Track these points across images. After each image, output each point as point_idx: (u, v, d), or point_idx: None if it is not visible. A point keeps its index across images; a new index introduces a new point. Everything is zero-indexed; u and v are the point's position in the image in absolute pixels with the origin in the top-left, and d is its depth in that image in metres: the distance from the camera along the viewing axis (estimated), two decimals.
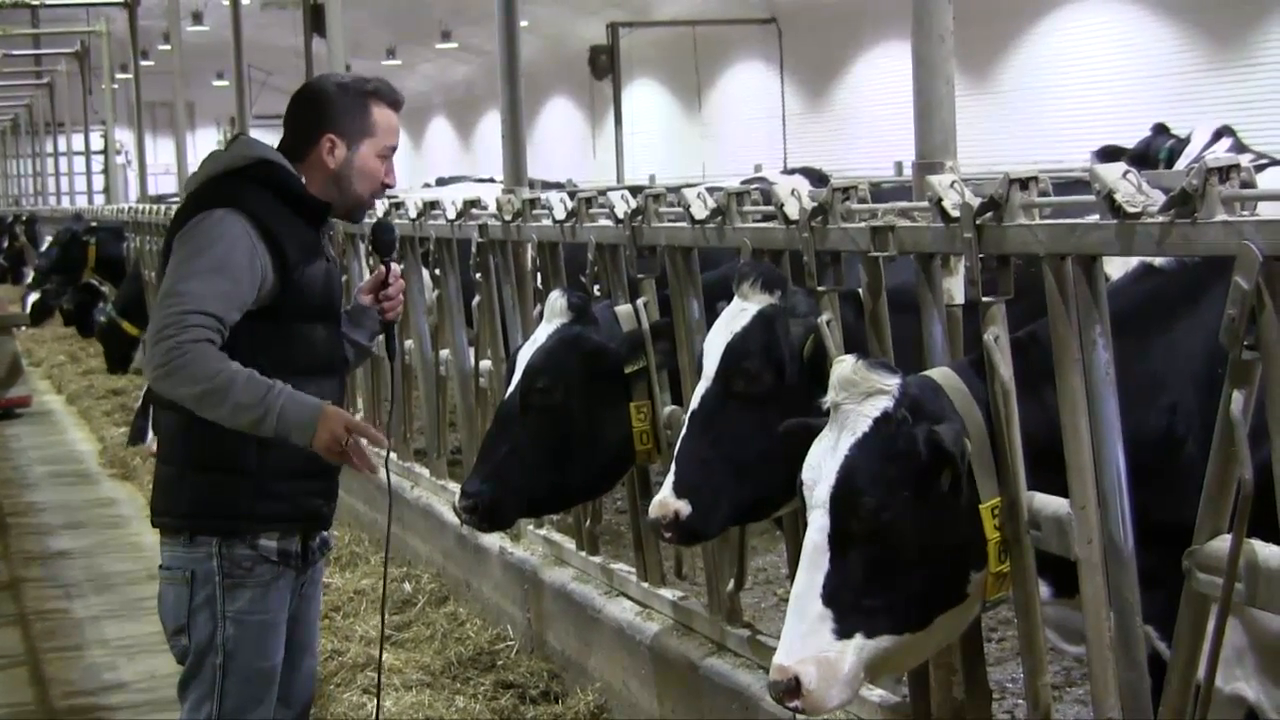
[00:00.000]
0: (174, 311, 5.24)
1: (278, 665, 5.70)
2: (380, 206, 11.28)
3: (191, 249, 5.38)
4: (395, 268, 6.05)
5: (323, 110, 5.71)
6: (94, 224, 25.96)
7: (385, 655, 8.92)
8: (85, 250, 24.67)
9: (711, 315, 6.21)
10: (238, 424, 5.28)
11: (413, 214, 10.76)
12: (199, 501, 5.58)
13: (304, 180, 5.65)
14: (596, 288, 7.94)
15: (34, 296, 27.79)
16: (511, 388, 7.18)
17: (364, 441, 5.41)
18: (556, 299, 7.20)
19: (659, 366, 7.18)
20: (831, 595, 4.51)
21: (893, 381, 4.64)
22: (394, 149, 5.79)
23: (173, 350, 5.20)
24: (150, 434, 15.94)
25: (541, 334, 7.19)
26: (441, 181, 24.37)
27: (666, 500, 5.80)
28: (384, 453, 5.95)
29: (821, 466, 4.62)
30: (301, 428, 5.31)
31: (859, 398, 4.62)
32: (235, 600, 5.55)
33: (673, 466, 5.88)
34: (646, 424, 7.18)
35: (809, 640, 4.49)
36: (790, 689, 4.46)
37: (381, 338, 6.11)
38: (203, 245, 5.36)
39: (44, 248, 28.02)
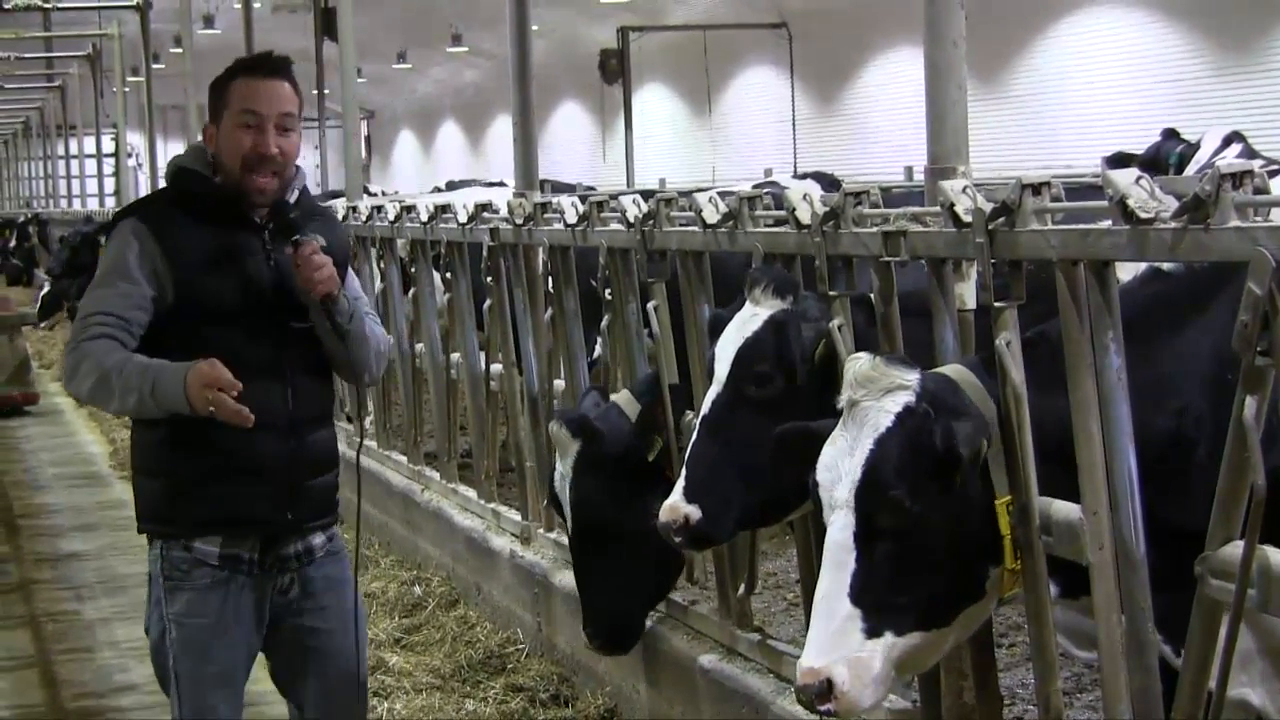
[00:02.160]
0: (78, 321, 5.46)
1: (231, 670, 5.67)
2: (391, 208, 11.30)
3: (101, 267, 5.56)
4: (304, 247, 5.50)
5: (208, 107, 5.73)
6: (103, 225, 26.02)
7: (396, 658, 8.98)
8: (96, 251, 24.66)
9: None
10: (132, 411, 5.43)
11: (424, 217, 10.77)
12: (141, 505, 5.74)
13: (219, 178, 5.62)
14: (607, 292, 7.95)
15: (45, 290, 27.91)
16: (570, 526, 7.33)
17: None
18: (558, 432, 7.25)
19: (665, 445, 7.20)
20: (859, 594, 4.49)
21: (912, 376, 4.63)
22: (258, 114, 5.49)
23: (72, 353, 5.40)
24: None
25: (567, 467, 7.23)
26: (451, 185, 24.38)
27: (677, 505, 5.79)
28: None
29: (839, 466, 4.60)
30: (177, 400, 5.28)
31: (878, 393, 4.61)
32: (174, 603, 5.59)
33: (683, 471, 5.88)
34: None
35: (839, 640, 4.46)
36: (822, 691, 4.42)
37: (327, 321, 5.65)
38: (103, 258, 5.57)
39: (56, 249, 28.00)
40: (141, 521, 5.74)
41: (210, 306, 5.47)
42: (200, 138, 5.76)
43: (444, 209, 10.63)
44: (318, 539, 5.81)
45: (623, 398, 7.44)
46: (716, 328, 6.22)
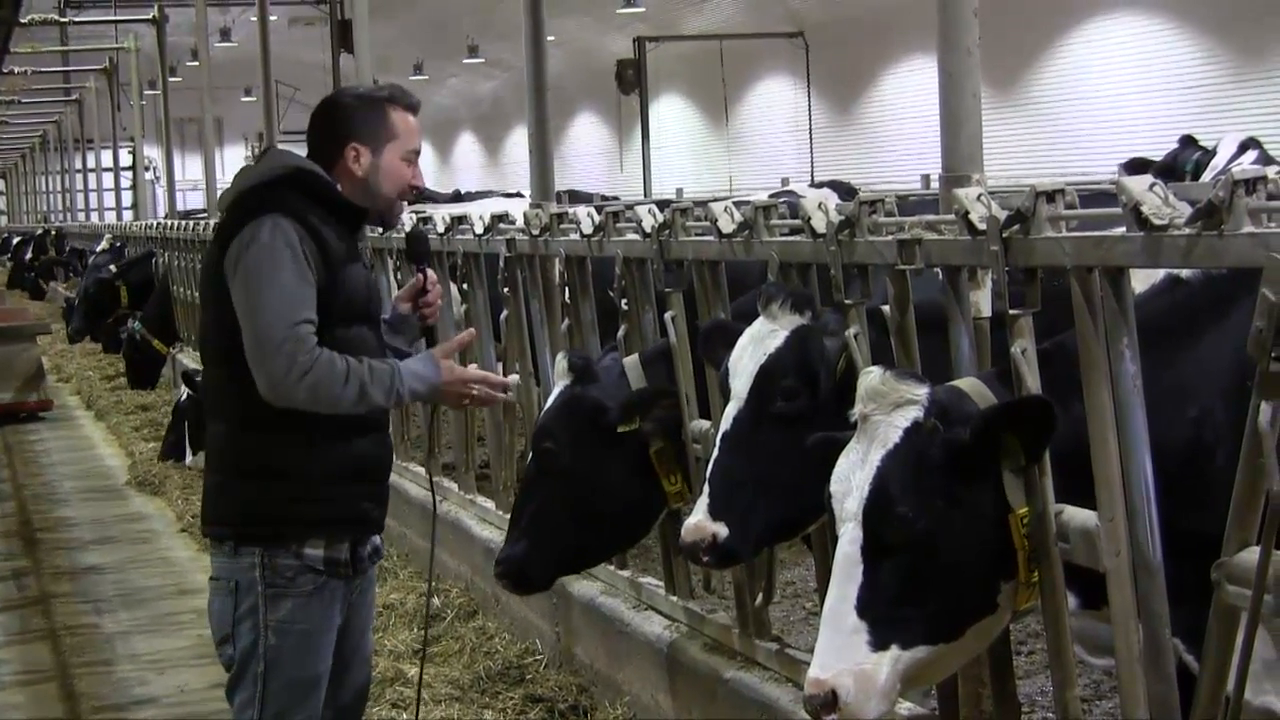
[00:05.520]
0: (282, 324, 5.37)
1: (322, 674, 5.72)
2: (408, 219, 11.32)
3: (259, 262, 5.45)
4: (431, 274, 6.11)
5: (344, 121, 5.78)
6: (114, 267, 25.30)
7: (414, 669, 8.98)
8: (117, 294, 24.39)
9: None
10: (360, 408, 5.52)
11: (441, 229, 10.79)
12: (243, 510, 5.65)
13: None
14: (624, 301, 7.95)
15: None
16: (531, 454, 7.28)
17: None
18: (559, 360, 7.27)
19: (652, 433, 7.16)
20: (866, 607, 4.49)
21: (921, 391, 4.63)
22: (417, 152, 5.85)
23: (297, 365, 5.37)
24: (189, 452, 16.00)
25: (550, 398, 7.26)
26: (458, 196, 24.39)
27: (703, 524, 5.72)
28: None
29: (851, 479, 4.62)
30: (428, 398, 5.84)
31: (888, 408, 4.62)
32: (277, 610, 5.59)
33: (705, 489, 5.81)
34: (673, 463, 7.18)
35: (844, 653, 4.47)
36: (827, 702, 4.42)
37: (422, 341, 6.14)
38: (268, 255, 5.44)
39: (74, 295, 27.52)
40: (239, 526, 5.66)
41: (349, 306, 5.60)
42: (331, 153, 5.77)
43: (460, 220, 10.65)
44: (379, 539, 5.99)
45: (630, 362, 7.43)
46: (714, 336, 6.23)
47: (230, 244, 5.52)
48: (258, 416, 5.53)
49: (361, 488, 5.73)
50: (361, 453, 5.70)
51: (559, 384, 7.23)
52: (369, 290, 5.76)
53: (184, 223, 22.57)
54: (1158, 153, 16.58)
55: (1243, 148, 14.47)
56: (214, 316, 5.66)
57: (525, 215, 9.32)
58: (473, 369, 5.90)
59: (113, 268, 24.22)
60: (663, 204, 8.22)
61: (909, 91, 33.26)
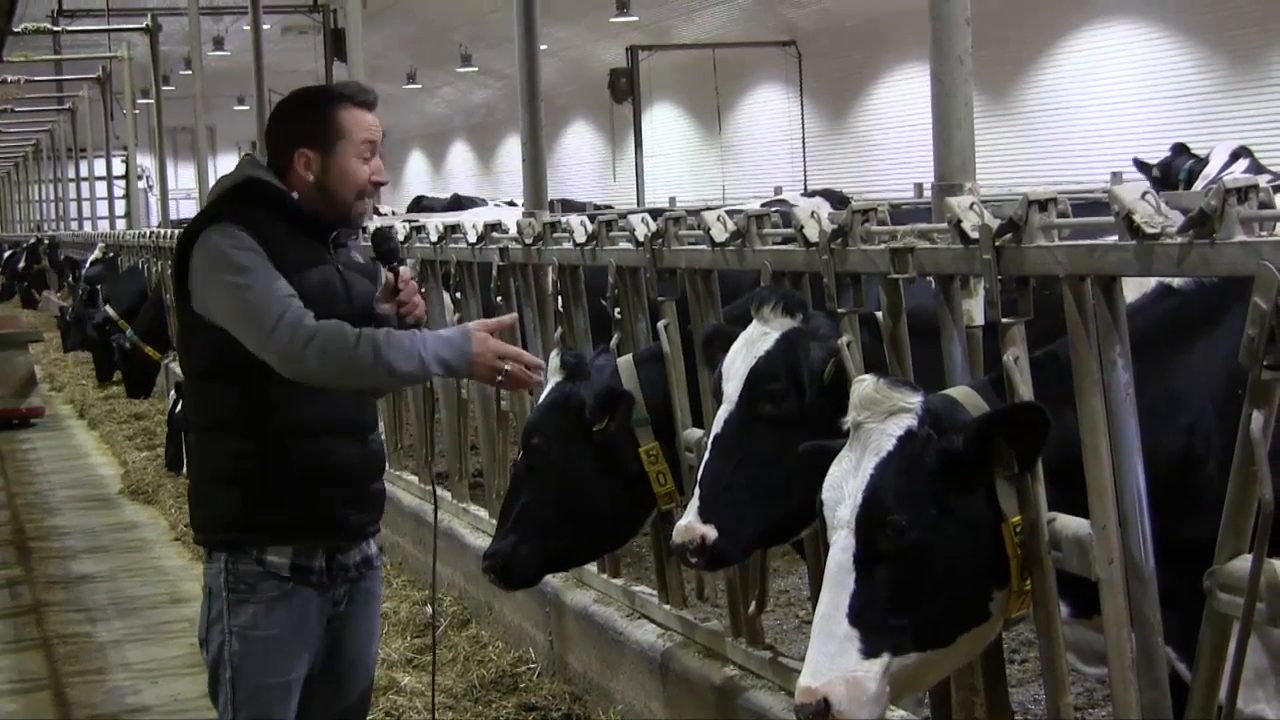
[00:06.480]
0: (272, 303, 5.32)
1: (292, 681, 5.68)
2: (400, 224, 11.33)
3: (221, 264, 5.43)
4: (404, 271, 5.93)
5: (289, 128, 5.73)
6: (109, 309, 24.63)
7: (408, 679, 8.99)
8: (116, 327, 24.00)
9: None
10: (394, 383, 5.35)
11: (434, 237, 10.79)
12: (207, 516, 5.69)
13: (295, 195, 5.65)
14: (617, 310, 7.96)
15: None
16: (520, 451, 7.31)
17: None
18: (551, 358, 7.28)
19: (617, 431, 7.17)
20: (858, 615, 4.49)
21: (915, 399, 4.64)
22: (373, 145, 5.70)
23: (300, 333, 5.29)
24: (186, 461, 16.01)
25: (541, 395, 7.26)
26: (458, 202, 24.33)
27: (693, 525, 5.73)
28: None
29: (843, 486, 4.62)
30: (456, 368, 5.50)
31: (881, 416, 4.62)
32: (239, 615, 5.59)
33: (696, 491, 5.83)
34: (661, 465, 7.18)
35: (836, 660, 4.46)
36: (819, 710, 4.41)
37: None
38: (227, 254, 5.43)
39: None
40: (208, 533, 5.70)
41: None
42: (283, 160, 5.70)
43: (453, 229, 10.65)
44: (372, 548, 5.92)
45: (624, 362, 7.43)
46: (714, 341, 6.24)
47: (191, 257, 5.52)
48: (218, 423, 5.56)
49: (334, 492, 5.66)
50: (332, 455, 5.64)
51: (550, 381, 7.24)
52: (329, 294, 5.60)
53: (177, 231, 22.50)
54: (1150, 161, 16.60)
55: (1234, 156, 14.49)
56: (178, 329, 5.68)
57: (518, 224, 9.33)
58: (512, 347, 5.67)
59: (109, 309, 23.81)
60: (656, 213, 8.23)
61: (901, 100, 33.29)
